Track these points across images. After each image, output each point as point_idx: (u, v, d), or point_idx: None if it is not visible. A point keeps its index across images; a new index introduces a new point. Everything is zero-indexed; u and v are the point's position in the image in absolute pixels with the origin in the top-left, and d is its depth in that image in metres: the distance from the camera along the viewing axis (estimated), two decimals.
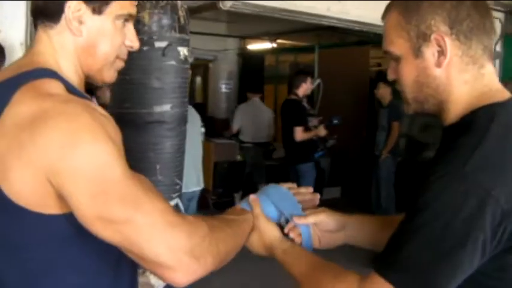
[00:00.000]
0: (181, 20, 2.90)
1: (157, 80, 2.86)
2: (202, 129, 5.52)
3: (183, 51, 2.97)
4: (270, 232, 1.40)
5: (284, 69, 10.69)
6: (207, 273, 1.09)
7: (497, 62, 6.97)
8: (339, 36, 9.49)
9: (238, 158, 7.22)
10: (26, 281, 1.10)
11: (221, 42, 10.30)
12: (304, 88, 5.96)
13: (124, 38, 1.24)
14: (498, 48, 6.94)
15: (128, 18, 1.23)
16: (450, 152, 1.05)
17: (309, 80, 6.00)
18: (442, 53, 1.12)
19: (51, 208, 1.06)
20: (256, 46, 10.91)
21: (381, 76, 8.71)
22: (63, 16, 1.16)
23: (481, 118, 1.09)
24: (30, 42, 2.97)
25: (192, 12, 4.91)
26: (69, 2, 1.15)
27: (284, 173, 6.14)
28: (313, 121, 5.93)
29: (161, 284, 2.51)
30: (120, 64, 1.28)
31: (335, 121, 5.85)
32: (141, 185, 1.07)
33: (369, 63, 8.68)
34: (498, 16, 6.79)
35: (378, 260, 1.07)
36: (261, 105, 7.64)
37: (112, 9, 1.19)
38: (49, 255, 1.10)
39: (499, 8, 6.66)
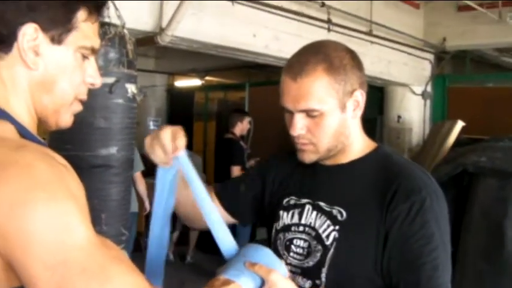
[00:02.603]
0: (130, 54, 2.64)
1: (104, 119, 2.60)
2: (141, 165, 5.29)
3: (131, 88, 2.72)
4: None
5: (213, 106, 10.55)
6: None
7: (428, 102, 7.13)
8: (266, 75, 9.50)
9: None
10: None
11: (149, 78, 10.07)
12: (240, 128, 5.84)
13: (84, 75, 1.05)
14: (429, 88, 7.11)
15: (90, 51, 1.04)
16: (404, 180, 1.30)
17: (245, 119, 5.89)
18: (357, 105, 1.36)
19: None
20: (185, 83, 10.74)
21: None
22: (16, 45, 0.95)
23: (389, 152, 1.44)
24: None
25: None
26: (23, 28, 0.94)
27: None
28: (250, 162, 5.80)
29: None
30: (78, 107, 1.08)
31: None
32: (108, 253, 0.88)
33: None
34: (428, 57, 6.99)
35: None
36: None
37: (74, 39, 1.00)
38: None
39: (428, 49, 6.86)
